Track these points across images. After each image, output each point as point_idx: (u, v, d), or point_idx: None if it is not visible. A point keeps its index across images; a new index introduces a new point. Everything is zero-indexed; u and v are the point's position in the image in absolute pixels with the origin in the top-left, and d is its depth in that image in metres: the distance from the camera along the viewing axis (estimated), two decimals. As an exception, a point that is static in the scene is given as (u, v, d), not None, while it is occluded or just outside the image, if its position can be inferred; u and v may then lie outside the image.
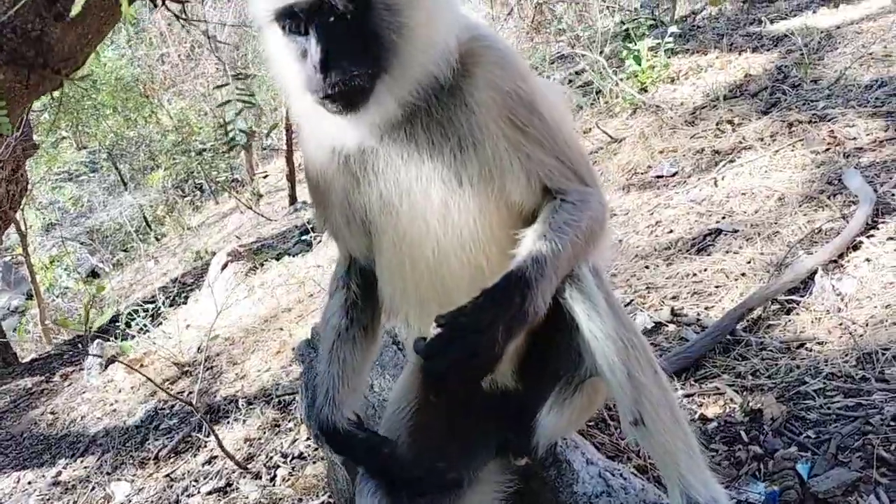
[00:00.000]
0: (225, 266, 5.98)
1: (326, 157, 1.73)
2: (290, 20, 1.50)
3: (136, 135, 12.86)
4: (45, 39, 2.52)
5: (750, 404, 2.42)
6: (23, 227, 8.52)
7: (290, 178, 9.24)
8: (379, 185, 1.67)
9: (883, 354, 2.47)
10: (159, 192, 13.40)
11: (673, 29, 6.18)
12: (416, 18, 1.52)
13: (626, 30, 6.45)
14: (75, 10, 2.21)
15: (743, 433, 2.34)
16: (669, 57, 6.15)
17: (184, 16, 2.96)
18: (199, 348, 4.68)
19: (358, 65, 1.47)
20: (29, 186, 7.85)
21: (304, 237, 6.45)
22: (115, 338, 5.34)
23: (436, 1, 1.57)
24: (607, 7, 8.39)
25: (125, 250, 12.17)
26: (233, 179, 12.58)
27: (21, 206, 7.98)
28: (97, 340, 5.36)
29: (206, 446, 3.53)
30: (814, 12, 6.52)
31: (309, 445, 3.14)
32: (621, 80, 6.03)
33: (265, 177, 12.22)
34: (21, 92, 2.63)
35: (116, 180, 14.38)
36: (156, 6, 2.71)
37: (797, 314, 2.87)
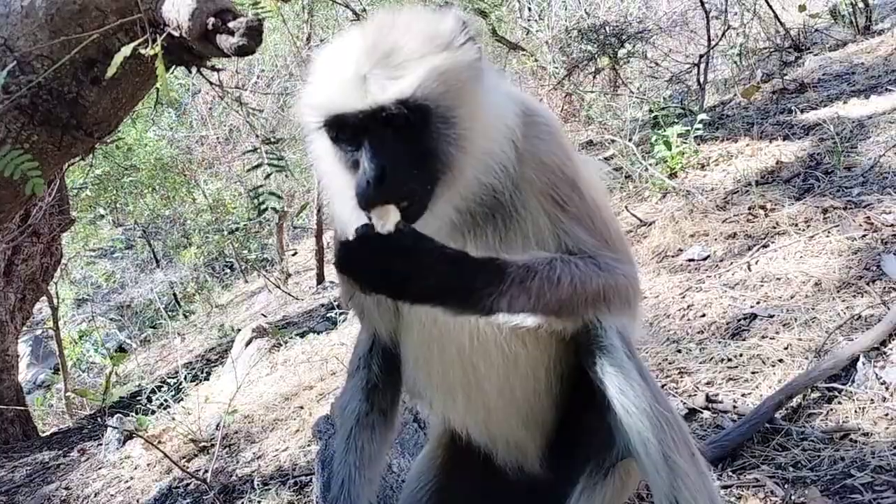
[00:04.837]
0: (249, 342, 5.94)
1: None
2: (342, 130, 1.41)
3: (172, 213, 13.13)
4: (81, 102, 2.56)
5: (793, 498, 2.27)
6: (55, 301, 8.59)
7: (319, 257, 9.31)
8: None
9: (935, 448, 2.33)
10: (190, 270, 13.56)
11: (702, 116, 6.18)
12: (474, 129, 1.45)
13: (655, 118, 6.48)
14: (110, 72, 2.24)
15: (786, 529, 2.19)
16: (699, 144, 6.15)
17: (218, 84, 3.02)
18: (217, 425, 4.59)
19: (413, 181, 1.38)
20: (63, 260, 7.97)
21: (329, 314, 6.42)
22: (136, 413, 5.27)
23: (491, 107, 1.49)
24: (636, 98, 8.51)
25: (153, 327, 12.23)
26: (262, 259, 12.70)
27: (55, 280, 8.10)
28: (117, 415, 5.30)
29: (218, 528, 3.40)
30: (844, 102, 6.51)
31: (324, 529, 3.00)
32: (650, 165, 6.03)
33: (294, 254, 12.32)
34: (53, 153, 2.64)
35: (149, 257, 14.62)
36: (189, 73, 2.76)
37: (839, 403, 2.73)
